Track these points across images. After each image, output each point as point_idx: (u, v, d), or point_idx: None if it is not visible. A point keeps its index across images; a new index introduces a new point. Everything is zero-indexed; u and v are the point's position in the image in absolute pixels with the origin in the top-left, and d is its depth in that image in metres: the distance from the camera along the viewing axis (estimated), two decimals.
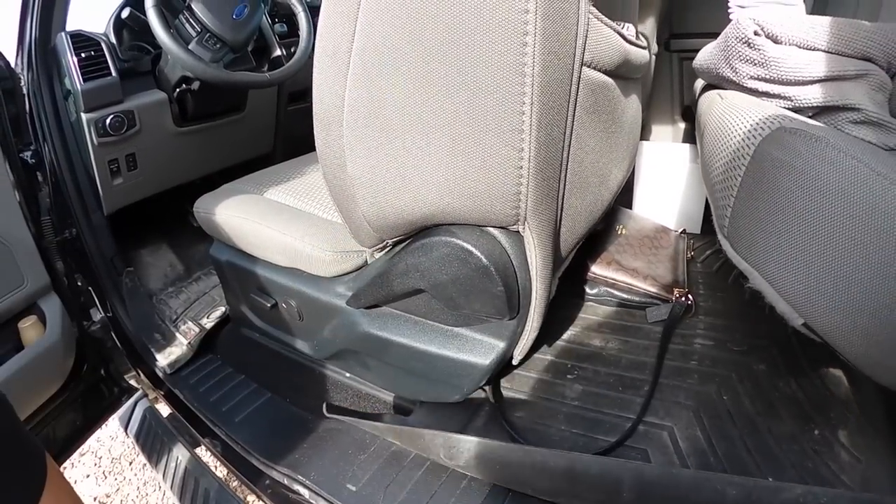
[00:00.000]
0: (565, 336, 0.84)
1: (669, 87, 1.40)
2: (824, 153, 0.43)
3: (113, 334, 1.11)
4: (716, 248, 1.08)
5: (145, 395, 1.07)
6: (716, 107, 0.79)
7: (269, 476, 0.69)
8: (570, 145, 0.50)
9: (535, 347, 0.74)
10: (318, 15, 0.48)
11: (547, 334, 0.83)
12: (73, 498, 0.31)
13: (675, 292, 0.86)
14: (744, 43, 0.84)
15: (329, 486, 0.61)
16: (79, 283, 1.11)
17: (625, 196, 1.14)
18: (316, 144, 0.53)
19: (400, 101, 0.43)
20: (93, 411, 1.09)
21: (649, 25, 1.02)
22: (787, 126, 0.47)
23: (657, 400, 0.70)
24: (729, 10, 1.07)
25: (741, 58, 0.86)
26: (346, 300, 0.63)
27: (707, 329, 0.82)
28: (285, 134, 1.43)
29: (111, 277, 1.13)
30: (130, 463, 1.28)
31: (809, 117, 0.86)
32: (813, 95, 0.82)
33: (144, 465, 1.23)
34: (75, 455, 1.24)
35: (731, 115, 0.62)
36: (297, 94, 1.37)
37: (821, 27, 0.83)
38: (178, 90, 1.11)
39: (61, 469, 0.65)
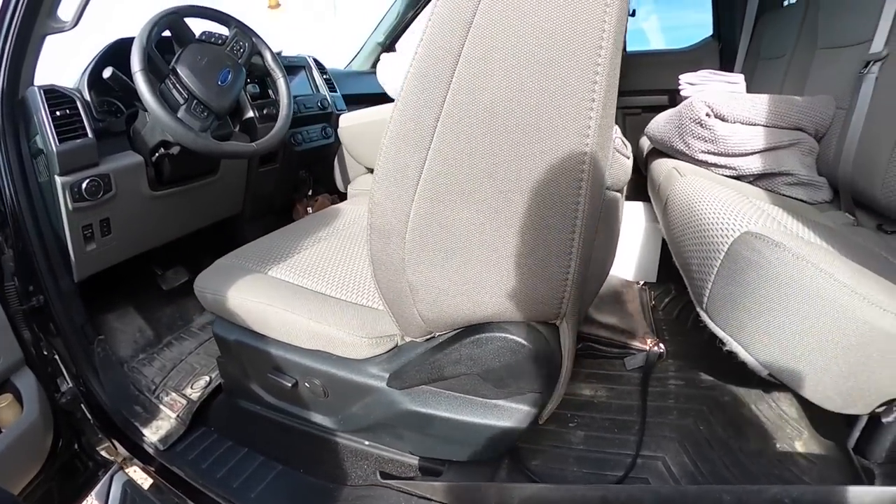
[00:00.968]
0: None
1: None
2: (782, 256, 0.58)
3: (84, 406, 1.04)
4: (672, 296, 1.28)
5: (121, 468, 1.02)
6: (677, 184, 0.97)
7: None
8: (590, 248, 0.60)
9: None
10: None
11: None
12: None
13: (648, 342, 1.01)
14: (697, 123, 1.03)
15: None
16: (45, 353, 1.03)
17: None
18: (371, 250, 0.58)
19: (470, 224, 0.51)
20: (70, 490, 1.02)
21: None
22: (752, 230, 0.62)
23: (647, 436, 0.84)
24: (679, 87, 1.28)
25: (694, 135, 1.05)
26: (386, 381, 0.69)
27: (678, 371, 0.98)
28: (254, 194, 1.43)
29: (82, 346, 1.07)
30: None
31: (750, 182, 1.06)
32: (754, 165, 1.04)
33: None
34: None
35: (697, 203, 0.77)
36: (268, 157, 1.38)
37: (761, 104, 1.07)
38: (156, 154, 1.10)
39: None
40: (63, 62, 1.14)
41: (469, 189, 0.50)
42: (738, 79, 1.30)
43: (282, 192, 1.52)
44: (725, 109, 1.04)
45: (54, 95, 0.97)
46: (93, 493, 0.99)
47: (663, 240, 1.24)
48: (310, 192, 1.61)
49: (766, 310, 0.60)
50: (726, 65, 1.92)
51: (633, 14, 0.68)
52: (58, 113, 0.95)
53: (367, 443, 0.83)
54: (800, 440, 0.81)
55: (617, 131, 0.80)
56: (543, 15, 0.41)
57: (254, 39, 1.17)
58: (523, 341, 0.57)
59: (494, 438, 0.68)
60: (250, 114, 1.24)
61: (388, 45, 2.05)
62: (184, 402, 1.07)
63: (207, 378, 1.13)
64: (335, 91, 1.63)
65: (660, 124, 1.22)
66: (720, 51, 1.98)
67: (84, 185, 0.98)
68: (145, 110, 1.05)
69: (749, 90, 1.61)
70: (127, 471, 1.04)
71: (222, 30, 1.17)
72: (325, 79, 1.61)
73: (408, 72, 0.49)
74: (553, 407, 0.68)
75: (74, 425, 1.08)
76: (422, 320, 0.60)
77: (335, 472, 0.82)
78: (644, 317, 1.10)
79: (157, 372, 1.19)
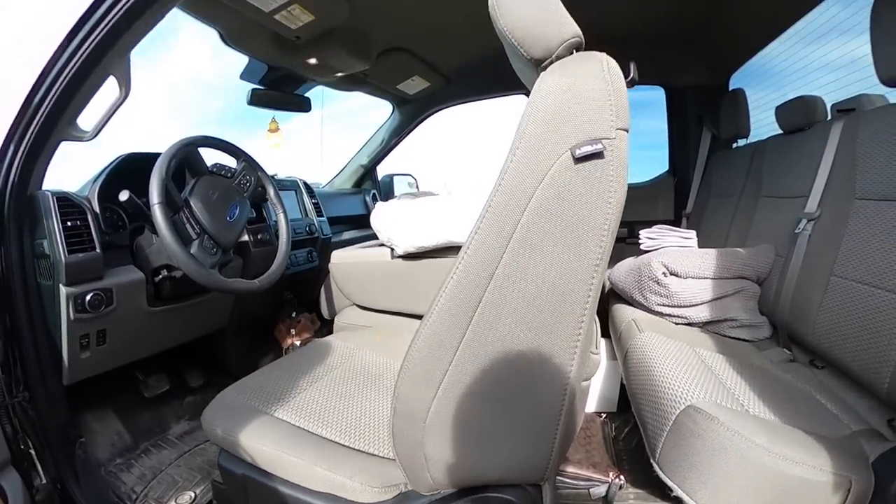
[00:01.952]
0: None
1: None
2: (716, 428, 0.82)
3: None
4: (631, 426, 1.51)
5: None
6: (636, 340, 1.22)
7: None
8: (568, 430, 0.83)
9: None
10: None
11: None
12: None
13: (610, 474, 1.21)
14: (654, 281, 1.33)
15: None
16: (22, 447, 1.07)
17: None
18: (392, 425, 0.77)
19: (482, 417, 0.69)
20: None
21: None
22: (694, 405, 0.86)
23: None
24: (640, 242, 1.62)
25: (652, 290, 1.35)
26: None
27: (636, 499, 1.18)
28: (241, 311, 1.60)
29: (64, 447, 1.14)
30: None
31: (700, 327, 1.36)
32: (703, 314, 1.34)
33: None
34: None
35: (653, 368, 1.03)
36: (255, 276, 1.55)
37: (709, 259, 1.37)
38: (159, 275, 1.25)
39: None
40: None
41: (483, 390, 0.68)
42: (691, 234, 1.66)
43: (266, 310, 1.70)
44: (679, 267, 1.33)
45: (66, 204, 1.11)
46: None
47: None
48: (293, 314, 1.82)
49: (706, 468, 0.81)
50: (681, 199, 2.32)
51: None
52: (69, 223, 1.10)
53: None
54: None
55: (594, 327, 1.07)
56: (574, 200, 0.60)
57: (259, 174, 1.39)
58: (516, 500, 0.75)
59: None
60: (245, 237, 1.38)
61: (370, 167, 2.41)
62: None
63: (192, 494, 1.23)
64: (322, 215, 1.87)
65: (621, 274, 1.50)
66: (675, 186, 2.40)
67: (88, 298, 1.11)
68: (153, 232, 1.21)
69: (701, 226, 1.99)
70: None
71: (231, 159, 1.38)
72: (313, 203, 1.85)
73: (456, 268, 0.67)
74: None
75: None
76: (432, 481, 0.78)
77: None
78: (606, 450, 1.31)
79: (137, 480, 1.28)
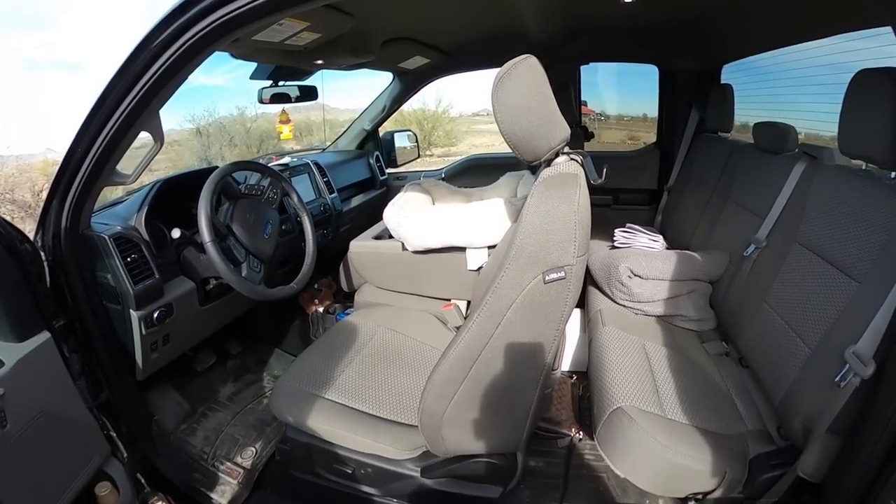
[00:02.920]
0: None
1: None
2: (634, 428, 1.22)
3: (139, 475, 1.49)
4: None
5: None
6: (598, 333, 1.64)
7: None
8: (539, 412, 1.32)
9: None
10: None
11: None
12: None
13: (573, 430, 1.71)
14: (619, 282, 1.78)
15: None
16: (113, 434, 1.44)
17: None
18: (420, 417, 1.22)
19: (480, 411, 1.15)
20: None
21: None
22: (622, 406, 1.29)
23: (568, 494, 1.59)
24: (614, 238, 2.04)
25: (617, 288, 1.79)
26: (420, 472, 1.33)
27: (591, 449, 1.67)
28: None
29: (143, 428, 1.52)
30: None
31: (656, 318, 1.84)
32: (659, 309, 1.78)
33: None
34: None
35: (604, 368, 1.47)
36: (281, 263, 1.91)
37: (669, 263, 1.78)
38: (208, 284, 1.63)
39: None
40: None
41: (480, 400, 1.12)
42: (658, 238, 2.02)
43: None
44: (642, 270, 1.71)
45: (122, 241, 1.38)
46: None
47: None
48: (314, 285, 2.27)
49: (625, 450, 1.26)
50: (665, 172, 2.65)
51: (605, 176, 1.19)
52: (128, 259, 1.38)
53: (394, 500, 1.44)
54: (662, 499, 1.54)
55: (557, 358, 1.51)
56: None
57: (283, 184, 1.71)
58: (498, 462, 1.26)
59: (479, 503, 1.37)
60: None
61: (372, 131, 2.73)
62: (240, 470, 1.63)
63: (253, 449, 1.71)
64: (333, 192, 2.23)
65: (596, 265, 1.88)
66: (661, 159, 2.71)
67: (155, 316, 1.43)
68: (199, 251, 1.54)
69: (677, 208, 2.34)
70: None
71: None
72: (325, 181, 2.20)
73: (466, 331, 1.08)
74: (511, 487, 1.41)
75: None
76: (445, 450, 1.26)
77: None
78: (573, 408, 1.79)
79: (203, 442, 1.74)
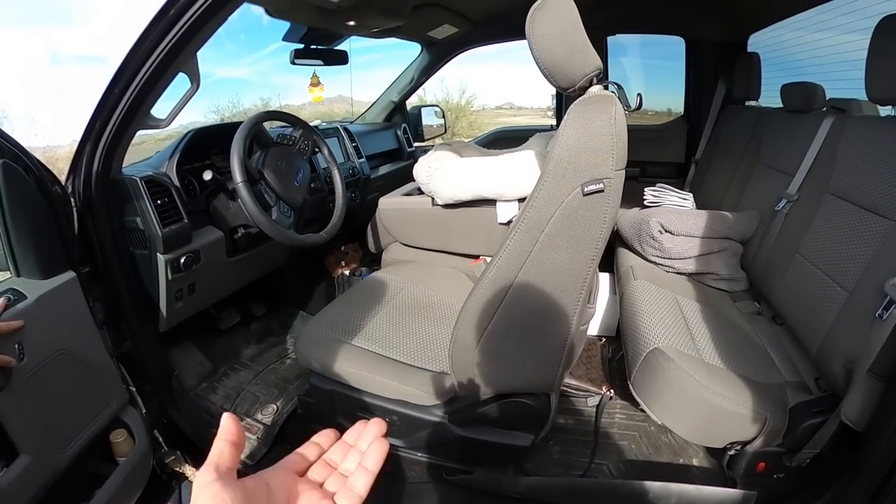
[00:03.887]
0: None
1: None
2: (672, 368, 1.22)
3: (156, 432, 1.48)
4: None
5: (188, 480, 1.56)
6: (630, 286, 1.65)
7: None
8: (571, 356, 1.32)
9: None
10: None
11: None
12: None
13: (603, 388, 1.69)
14: (650, 237, 1.78)
15: None
16: (130, 388, 1.45)
17: None
18: (451, 353, 1.22)
19: (513, 348, 1.14)
20: (154, 500, 1.45)
21: None
22: (659, 347, 1.31)
23: (598, 451, 1.56)
24: (644, 197, 2.05)
25: (648, 244, 1.80)
26: (448, 418, 1.32)
27: (622, 409, 1.67)
28: (297, 250, 2.04)
29: (163, 382, 1.56)
30: None
31: (687, 276, 1.83)
32: (690, 267, 1.79)
33: None
34: None
35: (637, 313, 1.47)
36: (309, 222, 1.95)
37: (700, 220, 1.79)
38: (237, 233, 1.65)
39: None
40: None
41: (514, 332, 1.12)
42: (688, 196, 2.05)
43: (318, 247, 2.15)
44: (673, 226, 1.72)
45: (153, 184, 1.40)
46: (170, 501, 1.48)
47: None
48: (342, 248, 2.30)
49: (662, 392, 1.24)
50: (692, 144, 2.67)
51: (640, 105, 1.17)
52: (159, 202, 1.40)
53: (420, 455, 1.43)
54: (697, 458, 1.53)
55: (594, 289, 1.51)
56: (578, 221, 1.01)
57: (314, 137, 1.75)
58: (531, 403, 1.22)
59: (508, 452, 1.33)
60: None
61: (400, 103, 2.81)
62: (260, 426, 1.65)
63: (274, 406, 1.72)
64: (361, 157, 2.28)
65: (626, 223, 1.90)
66: (688, 132, 2.74)
67: (182, 261, 1.46)
68: (229, 198, 1.58)
69: (706, 178, 2.36)
70: (191, 478, 1.55)
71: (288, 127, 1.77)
72: (353, 146, 2.24)
73: (503, 249, 1.08)
74: (542, 435, 1.42)
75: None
76: (476, 389, 1.27)
77: (398, 476, 1.43)
78: (602, 368, 1.79)
79: (224, 399, 1.76)
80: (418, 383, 1.32)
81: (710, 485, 1.34)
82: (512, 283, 1.10)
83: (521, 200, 1.69)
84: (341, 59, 2.18)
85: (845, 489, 1.11)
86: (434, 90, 10.05)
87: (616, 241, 2.06)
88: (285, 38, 2.00)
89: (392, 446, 1.43)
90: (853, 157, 1.41)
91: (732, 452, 1.28)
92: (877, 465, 1.01)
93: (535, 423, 1.32)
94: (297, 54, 2.04)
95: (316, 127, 1.92)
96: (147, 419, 1.42)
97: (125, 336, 1.40)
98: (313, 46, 2.09)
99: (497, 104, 12.80)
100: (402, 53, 2.85)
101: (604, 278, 2.02)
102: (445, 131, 3.28)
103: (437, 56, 2.84)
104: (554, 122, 3.30)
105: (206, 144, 1.70)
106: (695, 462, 1.50)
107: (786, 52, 2.38)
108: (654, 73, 3.27)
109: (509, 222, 1.72)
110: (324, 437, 0.52)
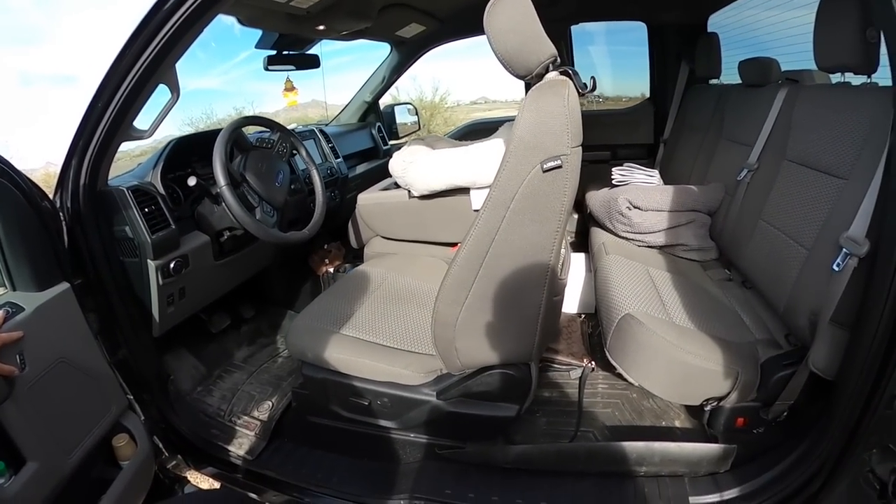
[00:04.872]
0: None
1: None
2: (642, 330, 1.32)
3: (155, 438, 1.54)
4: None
5: (188, 481, 1.66)
6: (602, 261, 1.75)
7: None
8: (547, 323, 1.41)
9: None
10: None
11: None
12: None
13: (584, 360, 1.81)
14: (619, 213, 1.89)
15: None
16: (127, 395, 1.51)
17: None
18: (434, 329, 1.29)
19: (493, 320, 1.23)
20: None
21: None
22: (630, 313, 1.39)
23: (583, 420, 1.66)
24: (612, 177, 2.17)
25: (618, 220, 1.91)
26: (436, 395, 1.40)
27: (603, 380, 1.77)
28: (282, 250, 2.14)
29: (159, 387, 1.61)
30: None
31: (658, 249, 1.94)
32: (660, 239, 1.90)
33: None
34: None
35: (609, 284, 1.57)
36: (292, 222, 2.01)
37: (667, 195, 1.91)
38: (223, 236, 1.73)
39: None
40: None
41: (491, 304, 1.21)
42: (654, 173, 2.16)
43: (302, 245, 2.23)
44: (641, 202, 1.83)
45: (140, 193, 1.47)
46: None
47: None
48: (325, 246, 2.40)
49: (636, 356, 1.34)
50: (660, 125, 2.81)
51: (593, 88, 1.26)
52: (146, 210, 1.47)
53: (412, 435, 1.51)
54: (678, 420, 1.62)
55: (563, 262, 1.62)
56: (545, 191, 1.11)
57: (292, 139, 1.85)
58: (513, 373, 1.32)
59: (496, 423, 1.43)
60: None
61: (373, 103, 2.93)
62: (257, 422, 1.72)
63: (270, 402, 1.79)
64: (338, 157, 2.39)
65: (596, 203, 2.02)
66: (654, 113, 2.88)
67: (171, 266, 1.52)
68: (213, 202, 1.67)
69: (674, 156, 2.49)
70: (193, 482, 1.65)
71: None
72: (330, 147, 2.35)
73: (473, 228, 1.17)
74: (527, 405, 1.48)
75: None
76: (460, 364, 1.34)
77: (392, 457, 1.52)
78: (583, 343, 1.91)
79: (220, 401, 1.83)
80: (405, 363, 1.43)
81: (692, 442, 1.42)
82: (484, 259, 1.21)
83: None
84: (313, 62, 2.28)
85: (820, 436, 1.17)
86: (407, 89, 10.09)
87: (590, 221, 2.17)
88: (258, 46, 2.10)
89: (385, 428, 1.54)
90: (806, 124, 1.51)
91: (709, 408, 1.37)
92: (847, 410, 1.06)
93: (519, 394, 1.43)
94: (270, 60, 2.14)
95: (293, 130, 2.01)
96: (147, 425, 1.48)
97: (120, 344, 1.47)
98: (285, 52, 2.18)
99: (472, 99, 12.92)
100: (373, 55, 2.97)
101: (580, 258, 2.14)
102: (420, 128, 3.39)
103: (406, 54, 2.95)
104: None
105: (188, 153, 1.78)
106: (677, 423, 1.60)
107: (745, 30, 2.51)
108: (623, 59, 3.40)
109: None
110: None
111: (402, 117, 3.22)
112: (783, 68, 1.90)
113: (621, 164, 2.31)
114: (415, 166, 1.82)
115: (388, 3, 2.12)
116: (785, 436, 1.33)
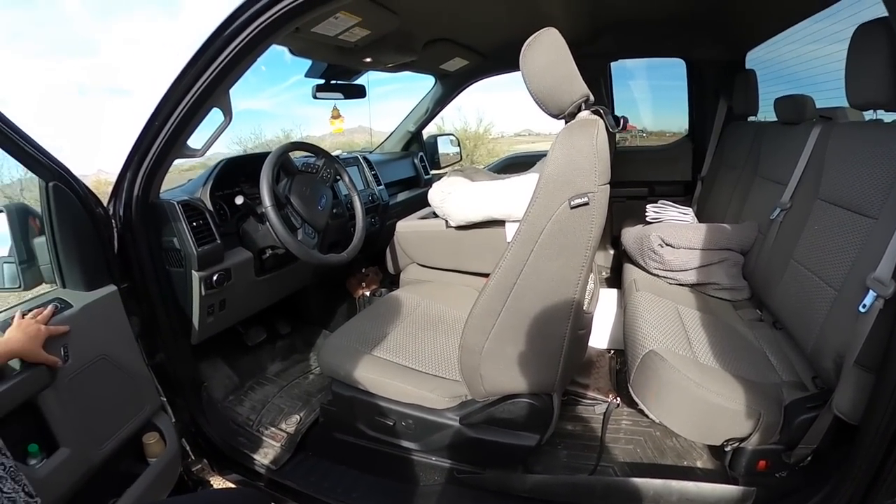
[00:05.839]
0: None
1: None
2: (666, 368, 1.35)
3: (183, 441, 1.65)
4: None
5: (210, 486, 1.73)
6: (633, 297, 1.79)
7: None
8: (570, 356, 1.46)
9: None
10: None
11: None
12: None
13: (610, 396, 1.83)
14: (651, 251, 1.93)
15: None
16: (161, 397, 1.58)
17: None
18: (460, 356, 1.38)
19: (518, 351, 1.29)
20: None
21: None
22: (655, 350, 1.43)
23: (604, 454, 1.67)
24: (646, 214, 2.22)
25: (650, 258, 1.95)
26: (459, 420, 1.46)
27: (628, 416, 1.78)
28: (320, 272, 2.25)
29: (193, 393, 1.71)
30: None
31: (689, 287, 1.97)
32: (692, 278, 1.93)
33: None
34: None
35: (637, 320, 1.60)
36: (332, 245, 2.13)
37: (700, 233, 1.95)
38: (265, 254, 1.85)
39: None
40: None
41: (515, 334, 1.27)
42: (688, 211, 2.21)
43: (340, 268, 2.30)
44: (674, 239, 1.87)
45: (189, 208, 1.58)
46: None
47: None
48: (363, 270, 2.53)
49: (659, 392, 1.36)
50: (698, 162, 2.84)
51: (624, 127, 1.31)
52: (194, 224, 1.58)
53: (433, 458, 1.56)
54: (700, 460, 1.62)
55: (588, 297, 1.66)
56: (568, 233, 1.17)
57: (336, 166, 1.97)
58: (535, 403, 1.37)
59: (516, 451, 1.46)
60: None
61: (416, 132, 3.10)
62: (284, 434, 1.80)
63: (298, 416, 1.88)
64: (380, 184, 2.52)
65: (630, 239, 2.07)
66: (693, 150, 2.92)
67: (214, 278, 1.62)
68: (258, 221, 1.78)
69: (711, 192, 2.52)
70: (216, 487, 1.72)
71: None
72: (372, 174, 2.48)
73: (503, 260, 1.24)
74: (548, 435, 1.51)
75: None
76: (484, 390, 1.40)
77: (412, 477, 1.57)
78: (610, 378, 1.93)
79: (250, 411, 1.93)
80: (431, 387, 1.49)
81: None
82: (511, 290, 1.27)
83: None
84: (360, 92, 2.43)
85: (840, 483, 1.16)
86: (452, 119, 10.35)
87: (623, 257, 2.21)
88: (307, 75, 2.25)
89: (407, 449, 1.61)
90: (838, 162, 1.51)
91: (730, 449, 1.37)
92: (868, 456, 1.05)
93: (540, 423, 1.47)
94: (319, 89, 2.29)
95: (337, 156, 2.14)
96: (177, 427, 1.58)
97: (159, 348, 1.58)
98: (333, 81, 2.34)
99: (516, 131, 13.17)
100: (418, 84, 3.11)
101: (612, 294, 2.17)
102: (461, 159, 3.51)
103: (450, 87, 3.10)
104: None
105: (236, 173, 1.92)
106: (699, 464, 1.60)
107: (782, 67, 2.53)
108: (666, 94, 3.44)
109: None
110: None
111: (445, 147, 3.36)
112: (825, 104, 1.91)
113: (657, 202, 2.36)
114: (452, 197, 1.91)
115: (433, 39, 2.24)
116: (807, 482, 1.32)
